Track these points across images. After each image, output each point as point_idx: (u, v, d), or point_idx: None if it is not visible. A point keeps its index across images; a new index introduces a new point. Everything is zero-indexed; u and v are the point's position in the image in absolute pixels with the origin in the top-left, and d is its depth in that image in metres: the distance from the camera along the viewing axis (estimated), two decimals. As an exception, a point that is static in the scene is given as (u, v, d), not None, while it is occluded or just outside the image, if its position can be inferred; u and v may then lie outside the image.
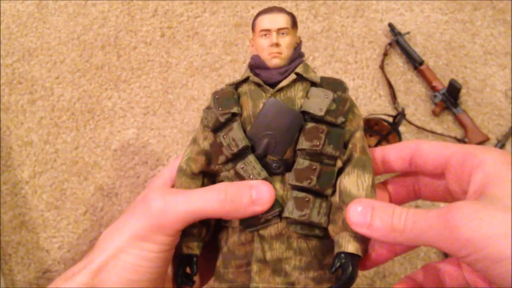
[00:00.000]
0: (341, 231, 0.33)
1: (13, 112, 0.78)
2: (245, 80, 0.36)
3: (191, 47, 0.82)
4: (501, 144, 0.72)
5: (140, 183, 0.72)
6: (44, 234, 0.70)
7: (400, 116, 0.70)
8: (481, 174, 0.29)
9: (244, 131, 0.35)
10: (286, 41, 0.36)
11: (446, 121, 0.75)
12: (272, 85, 0.35)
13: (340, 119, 0.34)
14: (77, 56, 0.81)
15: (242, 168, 0.34)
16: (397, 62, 0.80)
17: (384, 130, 0.72)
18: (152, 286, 0.34)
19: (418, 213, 0.29)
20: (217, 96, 0.36)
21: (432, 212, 0.28)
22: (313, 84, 0.35)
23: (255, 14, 0.39)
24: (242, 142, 0.34)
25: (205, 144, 0.37)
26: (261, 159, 0.34)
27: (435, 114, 0.75)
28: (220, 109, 0.35)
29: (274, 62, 0.35)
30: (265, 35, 0.36)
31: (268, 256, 0.34)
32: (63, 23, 0.84)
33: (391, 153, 0.37)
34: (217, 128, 0.36)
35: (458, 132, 0.74)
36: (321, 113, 0.33)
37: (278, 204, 0.34)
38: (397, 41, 0.80)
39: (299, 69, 0.35)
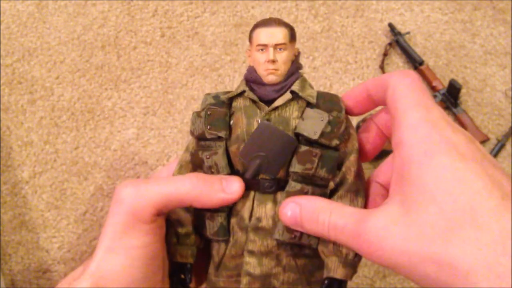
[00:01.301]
0: (331, 255, 0.34)
1: (13, 112, 0.78)
2: (241, 93, 0.35)
3: (191, 47, 0.82)
4: (501, 144, 0.72)
5: (140, 183, 0.72)
6: (44, 234, 0.70)
7: (400, 116, 0.70)
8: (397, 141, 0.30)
9: (227, 153, 0.35)
10: (283, 57, 0.35)
11: (446, 121, 0.75)
12: (268, 102, 0.35)
13: (335, 142, 0.34)
14: (77, 56, 0.81)
15: None
16: (397, 62, 0.80)
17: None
18: (149, 286, 0.34)
19: (338, 215, 0.30)
20: (209, 112, 0.35)
21: (349, 217, 0.30)
22: (309, 103, 0.35)
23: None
24: (224, 170, 0.35)
25: (192, 151, 0.37)
26: (253, 178, 0.34)
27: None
28: (209, 127, 0.35)
29: (269, 78, 0.35)
30: (262, 49, 0.35)
31: (257, 271, 0.34)
32: (63, 23, 0.84)
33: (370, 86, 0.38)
34: (201, 139, 0.36)
35: (458, 132, 0.74)
36: (315, 137, 0.33)
37: (224, 233, 0.35)
38: (397, 41, 0.80)
39: (295, 86, 0.35)
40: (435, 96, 0.76)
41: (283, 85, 0.35)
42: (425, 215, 0.25)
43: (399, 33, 0.80)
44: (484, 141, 0.72)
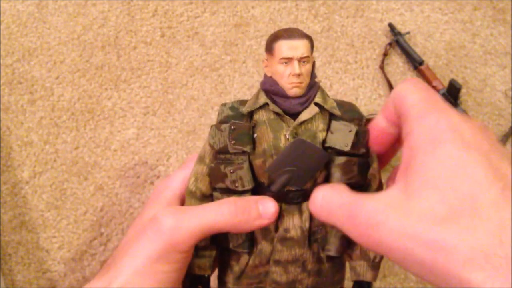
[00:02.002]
0: (359, 259, 0.36)
1: (13, 112, 0.78)
2: (263, 106, 0.35)
3: (191, 47, 0.82)
4: (501, 144, 0.72)
5: (140, 183, 0.72)
6: (44, 234, 0.70)
7: (400, 116, 0.70)
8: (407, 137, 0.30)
9: (251, 167, 0.34)
10: (307, 69, 0.35)
11: (446, 121, 0.75)
12: (292, 115, 0.34)
13: (362, 150, 0.35)
14: (77, 56, 0.81)
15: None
16: (397, 62, 0.80)
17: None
18: None
19: (334, 194, 0.31)
20: (233, 127, 0.34)
21: (346, 197, 0.30)
22: (332, 114, 0.35)
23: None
24: (249, 184, 0.35)
25: (212, 165, 0.37)
26: (279, 190, 0.34)
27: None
28: (233, 142, 0.34)
29: (294, 91, 0.34)
30: (286, 62, 0.34)
31: (284, 278, 0.36)
32: (63, 23, 0.84)
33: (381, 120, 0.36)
34: (222, 153, 0.35)
35: (458, 132, 0.74)
36: (347, 149, 0.34)
37: (249, 246, 0.36)
38: (397, 41, 0.80)
39: (318, 98, 0.35)
40: (435, 96, 0.76)
41: (307, 97, 0.35)
42: (426, 201, 0.25)
43: (399, 33, 0.80)
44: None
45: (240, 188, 0.35)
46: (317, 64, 0.80)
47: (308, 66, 0.35)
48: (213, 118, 0.76)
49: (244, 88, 0.78)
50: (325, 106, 0.34)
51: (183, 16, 0.84)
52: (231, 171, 0.35)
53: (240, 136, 0.34)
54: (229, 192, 0.35)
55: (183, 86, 0.79)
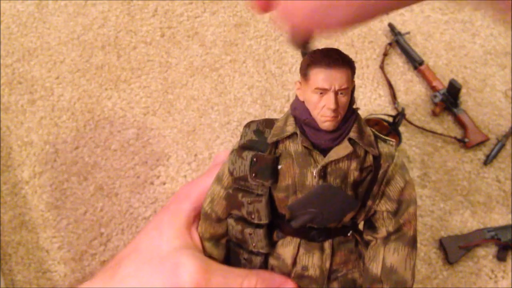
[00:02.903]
0: None
1: (13, 112, 0.77)
2: (291, 135, 0.32)
3: (191, 47, 0.82)
4: (501, 144, 0.72)
5: (140, 183, 0.72)
6: (44, 234, 0.70)
7: (400, 116, 0.70)
8: None
9: (272, 198, 0.33)
10: (344, 102, 0.31)
11: (446, 121, 0.75)
12: (322, 150, 0.31)
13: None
14: (77, 56, 0.81)
15: (250, 234, 0.34)
16: (397, 62, 0.80)
17: (384, 130, 0.72)
18: None
19: None
20: (255, 159, 0.32)
21: None
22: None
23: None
24: (266, 219, 0.33)
25: (229, 191, 0.35)
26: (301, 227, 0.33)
27: (435, 114, 0.75)
28: (254, 175, 0.32)
29: (327, 125, 0.31)
30: (321, 93, 0.31)
31: None
32: (63, 23, 0.84)
33: None
34: (242, 180, 0.33)
35: (458, 132, 0.74)
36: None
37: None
38: (397, 41, 0.80)
39: (353, 133, 0.31)
40: (435, 96, 0.76)
41: (340, 132, 0.31)
42: None
43: (399, 33, 0.80)
44: (484, 141, 0.72)
45: (256, 221, 0.33)
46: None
47: (346, 98, 0.31)
48: (213, 118, 0.76)
49: (244, 88, 0.78)
50: (360, 143, 0.31)
51: (183, 16, 0.84)
52: (249, 202, 0.33)
53: (262, 169, 0.32)
54: (244, 221, 0.34)
55: (183, 86, 0.79)
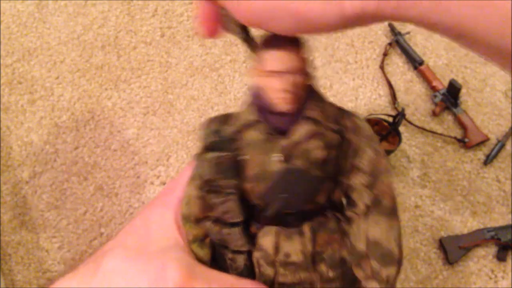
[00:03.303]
0: (371, 279, 0.33)
1: (13, 112, 0.77)
2: (250, 123, 0.31)
3: (191, 47, 0.82)
4: (501, 144, 0.72)
5: (140, 183, 0.72)
6: (44, 234, 0.70)
7: (400, 116, 0.70)
8: None
9: (241, 197, 0.33)
10: (298, 81, 0.30)
11: (446, 121, 0.75)
12: (284, 133, 0.31)
13: None
14: (77, 56, 0.81)
15: (228, 235, 0.33)
16: (397, 62, 0.80)
17: (384, 130, 0.72)
18: None
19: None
20: (218, 162, 0.32)
21: None
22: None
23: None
24: (239, 217, 0.33)
25: (201, 192, 0.35)
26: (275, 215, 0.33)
27: (435, 114, 0.75)
28: (218, 177, 0.32)
29: (282, 107, 0.31)
30: (273, 75, 0.30)
31: None
32: (63, 23, 0.84)
33: None
34: (212, 181, 0.33)
35: (458, 132, 0.74)
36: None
37: (249, 273, 0.34)
38: (397, 41, 0.80)
39: (313, 111, 0.31)
40: (435, 96, 0.76)
41: (300, 111, 0.31)
42: None
43: (399, 33, 0.80)
44: (484, 141, 0.72)
45: (230, 220, 0.33)
46: (317, 64, 0.80)
47: (300, 77, 0.31)
48: (213, 118, 0.76)
49: (244, 88, 0.78)
50: (321, 121, 0.31)
51: (183, 16, 0.84)
52: (221, 202, 0.33)
53: (225, 170, 0.32)
54: (221, 222, 0.34)
55: (183, 86, 0.79)
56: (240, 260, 0.34)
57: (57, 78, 0.80)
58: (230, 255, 0.35)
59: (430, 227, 0.68)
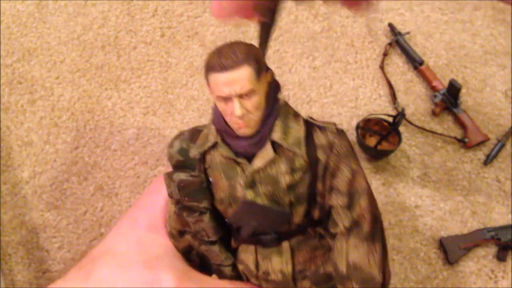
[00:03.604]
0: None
1: (13, 112, 0.77)
2: (213, 145, 0.30)
3: (191, 47, 0.82)
4: (501, 144, 0.72)
5: (140, 183, 0.72)
6: (44, 234, 0.70)
7: (400, 116, 0.70)
8: None
9: (216, 214, 0.32)
10: (254, 103, 0.28)
11: (446, 121, 0.75)
12: (248, 157, 0.30)
13: None
14: (77, 56, 0.81)
15: (206, 251, 0.33)
16: (397, 62, 0.80)
17: (384, 130, 0.72)
18: None
19: None
20: (182, 185, 0.30)
21: None
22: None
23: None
24: (214, 236, 0.32)
25: (176, 209, 0.34)
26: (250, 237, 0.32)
27: (435, 114, 0.75)
28: (186, 199, 0.31)
29: (242, 132, 0.29)
30: (225, 100, 0.28)
31: None
32: (63, 23, 0.84)
33: None
34: (181, 202, 0.32)
35: (458, 132, 0.74)
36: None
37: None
38: (397, 41, 0.80)
39: (276, 133, 0.29)
40: (435, 96, 0.76)
41: (261, 135, 0.29)
42: None
43: (399, 33, 0.80)
44: (484, 141, 0.72)
45: (206, 239, 0.33)
46: (317, 64, 0.80)
47: (256, 99, 0.28)
48: (213, 118, 0.76)
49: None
50: (285, 145, 0.29)
51: (183, 16, 0.84)
52: (193, 222, 0.32)
53: (192, 192, 0.31)
54: (198, 239, 0.33)
55: (183, 86, 0.79)
56: (226, 271, 0.34)
57: (57, 78, 0.80)
58: (215, 266, 0.35)
59: (430, 227, 0.68)
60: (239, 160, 0.29)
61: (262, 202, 0.29)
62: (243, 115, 0.27)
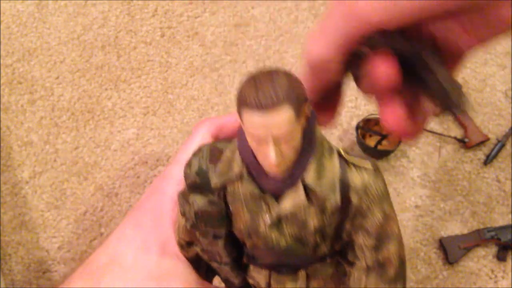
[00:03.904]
0: None
1: (13, 112, 0.77)
2: (240, 176, 0.27)
3: (191, 47, 0.82)
4: (501, 144, 0.72)
5: (140, 183, 0.72)
6: (44, 234, 0.70)
7: (400, 116, 0.70)
8: None
9: (231, 238, 0.30)
10: (291, 146, 0.25)
11: (446, 121, 0.75)
12: (274, 193, 0.27)
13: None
14: (77, 56, 0.81)
15: (218, 268, 0.32)
16: (397, 62, 0.80)
17: (384, 130, 0.72)
18: None
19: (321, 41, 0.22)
20: (200, 214, 0.28)
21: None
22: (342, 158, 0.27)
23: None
24: (227, 259, 0.30)
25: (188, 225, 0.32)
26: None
27: (435, 114, 0.75)
28: (203, 225, 0.29)
29: (273, 172, 0.26)
30: (258, 140, 0.24)
31: None
32: (63, 23, 0.84)
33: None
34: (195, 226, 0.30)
35: (458, 132, 0.74)
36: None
37: None
38: (397, 41, 0.80)
39: (310, 176, 0.26)
40: (435, 96, 0.76)
41: (293, 176, 0.26)
42: None
43: (399, 33, 0.80)
44: (484, 141, 0.72)
45: (219, 260, 0.31)
46: (317, 64, 0.80)
47: (292, 143, 0.24)
48: (213, 118, 0.76)
49: (244, 88, 0.78)
50: (317, 191, 0.26)
51: (183, 16, 0.84)
52: (206, 244, 0.30)
53: (210, 220, 0.28)
54: (208, 255, 0.32)
55: (183, 86, 0.79)
56: (236, 282, 0.33)
57: (57, 78, 0.80)
58: (224, 277, 0.34)
59: (430, 227, 0.68)
60: (266, 195, 0.26)
61: (286, 244, 0.28)
62: (278, 162, 0.24)
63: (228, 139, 0.30)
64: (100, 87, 0.79)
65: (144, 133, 0.76)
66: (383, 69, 0.22)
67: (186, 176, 0.29)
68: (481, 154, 0.73)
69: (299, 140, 0.25)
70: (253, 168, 0.26)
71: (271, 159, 0.24)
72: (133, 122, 0.76)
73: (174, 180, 0.34)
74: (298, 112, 0.24)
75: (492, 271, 0.66)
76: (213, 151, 0.28)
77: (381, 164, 0.72)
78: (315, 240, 0.28)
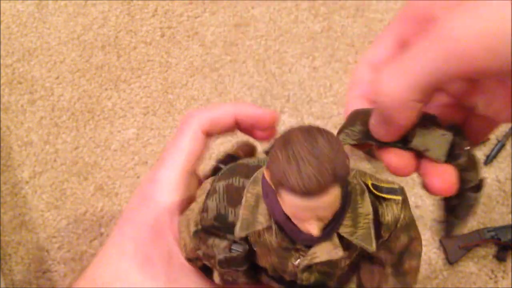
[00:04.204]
0: None
1: (13, 112, 0.78)
2: (267, 228, 0.25)
3: (191, 47, 0.82)
4: (501, 144, 0.72)
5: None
6: (44, 234, 0.70)
7: (400, 116, 0.70)
8: None
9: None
10: (332, 213, 0.23)
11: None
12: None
13: None
14: (77, 56, 0.81)
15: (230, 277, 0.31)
16: (397, 62, 0.80)
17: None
18: None
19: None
20: (224, 261, 0.26)
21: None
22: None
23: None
24: (244, 279, 0.29)
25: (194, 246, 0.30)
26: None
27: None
28: (226, 266, 0.27)
29: (311, 233, 0.24)
30: (299, 218, 0.23)
31: None
32: (63, 23, 0.84)
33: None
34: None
35: (458, 132, 0.74)
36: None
37: None
38: (397, 41, 0.80)
39: (345, 228, 0.24)
40: (435, 96, 0.76)
41: (329, 230, 0.24)
42: None
43: (399, 33, 0.80)
44: (484, 141, 0.72)
45: (234, 277, 0.30)
46: (317, 64, 0.80)
47: (333, 210, 0.23)
48: (213, 118, 0.76)
49: (244, 88, 0.78)
50: (354, 241, 0.24)
51: (183, 16, 0.84)
52: (223, 272, 0.29)
53: (233, 262, 0.27)
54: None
55: (183, 86, 0.79)
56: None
57: (57, 78, 0.80)
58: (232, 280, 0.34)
59: (430, 227, 0.68)
60: (297, 246, 0.25)
61: (315, 279, 0.26)
62: (319, 231, 0.23)
63: (239, 166, 0.27)
64: (100, 87, 0.79)
65: (144, 133, 0.76)
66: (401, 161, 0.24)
67: (201, 218, 0.27)
68: (481, 154, 0.73)
69: (338, 204, 0.23)
70: (284, 225, 0.24)
71: (314, 233, 0.22)
72: (133, 122, 0.76)
73: (163, 185, 0.32)
74: (343, 184, 0.22)
75: (492, 271, 0.66)
76: (230, 192, 0.26)
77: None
78: (342, 272, 0.27)
